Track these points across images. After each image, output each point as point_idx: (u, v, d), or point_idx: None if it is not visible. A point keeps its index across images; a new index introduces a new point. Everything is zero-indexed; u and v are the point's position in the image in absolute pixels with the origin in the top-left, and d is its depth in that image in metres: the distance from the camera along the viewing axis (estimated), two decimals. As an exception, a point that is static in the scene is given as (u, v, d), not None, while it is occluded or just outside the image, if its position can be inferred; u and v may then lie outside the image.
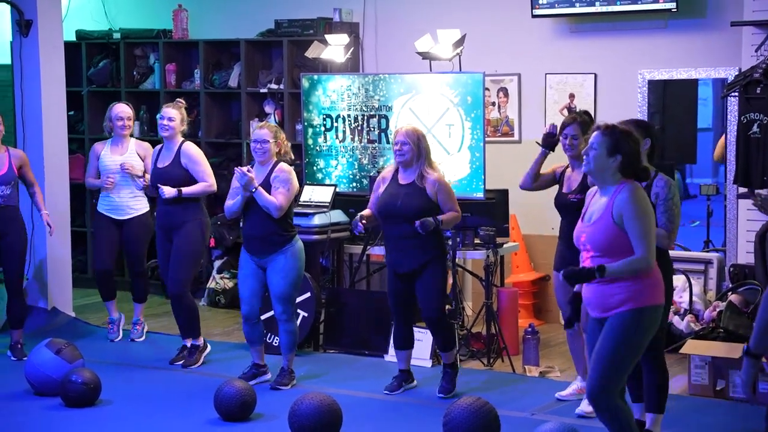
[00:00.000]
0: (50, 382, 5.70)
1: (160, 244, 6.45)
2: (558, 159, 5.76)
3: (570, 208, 5.36)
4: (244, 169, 5.74)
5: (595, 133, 4.18)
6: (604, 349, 4.07)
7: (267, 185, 5.80)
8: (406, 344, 5.87)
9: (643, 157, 4.69)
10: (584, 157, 4.18)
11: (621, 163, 4.10)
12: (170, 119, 6.30)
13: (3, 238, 6.52)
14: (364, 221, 5.74)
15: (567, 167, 5.54)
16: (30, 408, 5.61)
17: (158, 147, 6.50)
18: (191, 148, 6.36)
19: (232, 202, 5.86)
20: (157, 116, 6.72)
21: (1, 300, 7.03)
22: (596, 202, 4.19)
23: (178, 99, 6.64)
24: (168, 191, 6.19)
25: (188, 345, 6.49)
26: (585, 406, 5.39)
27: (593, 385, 4.09)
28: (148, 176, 6.68)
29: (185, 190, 6.24)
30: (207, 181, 6.32)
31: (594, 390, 4.08)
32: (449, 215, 5.62)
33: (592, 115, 5.63)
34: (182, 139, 6.38)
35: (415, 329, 6.36)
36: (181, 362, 6.43)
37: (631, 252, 4.04)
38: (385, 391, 5.81)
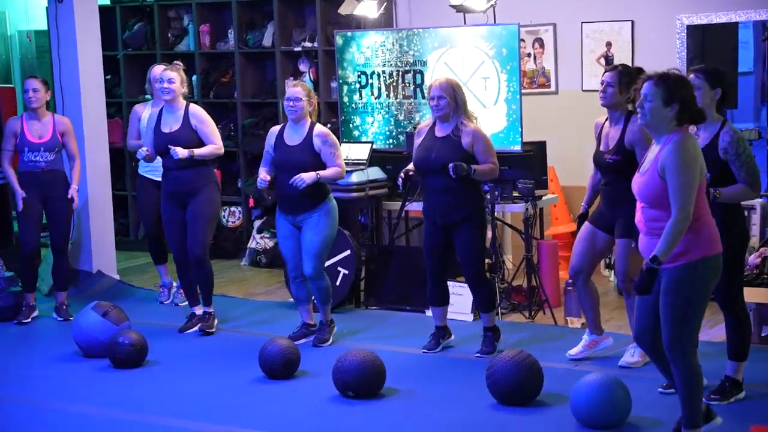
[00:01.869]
0: (98, 344, 5.80)
1: (167, 210, 6.29)
2: (598, 112, 5.69)
3: (607, 168, 5.27)
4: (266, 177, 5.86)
5: (646, 83, 4.04)
6: (667, 306, 4.04)
7: (308, 145, 5.80)
8: (441, 301, 5.83)
9: (712, 107, 4.63)
10: (639, 110, 4.06)
11: (678, 111, 4.01)
12: (170, 81, 6.13)
13: (48, 202, 6.61)
14: (407, 174, 5.73)
15: (606, 120, 5.39)
16: (79, 369, 5.71)
17: (155, 111, 6.33)
18: (200, 110, 6.23)
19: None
20: (154, 77, 6.66)
21: (46, 265, 7.15)
22: (652, 150, 4.12)
23: (175, 61, 6.50)
24: (181, 152, 6.04)
25: (198, 313, 6.42)
26: (628, 357, 5.39)
27: (667, 340, 4.08)
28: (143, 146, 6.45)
29: (197, 151, 6.09)
30: (215, 143, 6.19)
31: (669, 344, 4.08)
32: (485, 166, 5.51)
33: (637, 70, 5.31)
34: (185, 101, 6.24)
35: (456, 284, 6.39)
36: (194, 329, 6.36)
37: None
38: (423, 350, 5.82)
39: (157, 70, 6.88)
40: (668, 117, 4.02)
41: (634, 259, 5.19)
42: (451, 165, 5.43)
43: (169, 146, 6.08)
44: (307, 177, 5.71)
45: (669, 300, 4.04)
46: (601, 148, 5.33)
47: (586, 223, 5.43)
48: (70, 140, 6.67)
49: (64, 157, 6.73)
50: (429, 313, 6.41)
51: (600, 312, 5.58)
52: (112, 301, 6.23)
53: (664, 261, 3.99)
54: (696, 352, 4.09)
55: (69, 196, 6.64)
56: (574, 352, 5.57)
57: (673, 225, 3.95)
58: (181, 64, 6.39)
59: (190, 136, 6.15)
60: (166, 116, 6.23)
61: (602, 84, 5.26)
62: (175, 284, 7.19)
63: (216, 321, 6.40)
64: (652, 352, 4.25)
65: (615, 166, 5.21)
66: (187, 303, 6.77)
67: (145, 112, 6.94)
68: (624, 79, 5.18)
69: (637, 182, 4.12)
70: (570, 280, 5.70)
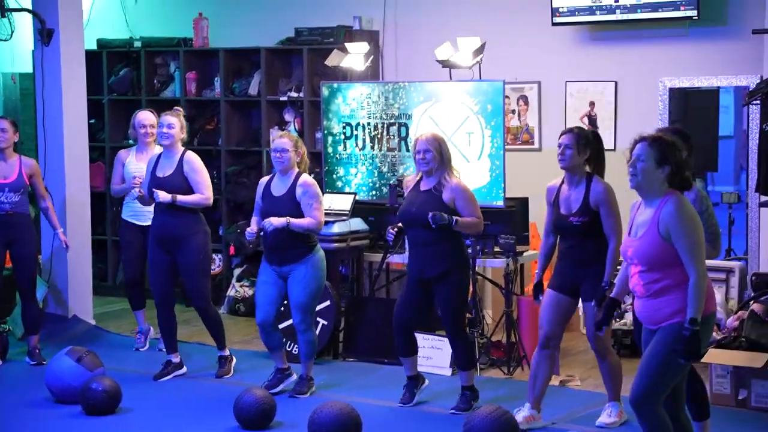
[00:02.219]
0: (70, 390, 5.72)
1: (153, 253, 6.27)
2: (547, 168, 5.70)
3: (573, 231, 5.20)
4: (254, 229, 5.80)
5: (639, 144, 4.08)
6: (653, 357, 4.03)
7: (291, 195, 5.80)
8: (410, 351, 5.76)
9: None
10: (629, 169, 4.08)
11: (669, 173, 4.04)
12: (170, 126, 6.17)
13: (13, 245, 6.55)
14: (394, 230, 5.72)
15: (561, 183, 5.31)
16: (50, 416, 5.62)
17: (155, 155, 6.36)
18: (194, 158, 6.24)
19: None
20: (138, 123, 6.77)
21: (20, 309, 7.07)
22: (641, 214, 4.12)
23: (175, 107, 6.56)
24: (162, 195, 6.04)
25: (174, 360, 6.39)
26: (605, 417, 5.35)
27: (638, 392, 4.04)
28: (138, 181, 6.57)
29: (180, 198, 6.08)
30: (204, 193, 6.16)
31: (639, 396, 4.04)
32: (467, 219, 5.50)
33: (600, 136, 5.38)
34: (183, 147, 6.28)
35: (435, 337, 6.36)
36: (165, 378, 6.32)
37: (677, 263, 3.98)
38: (399, 404, 5.75)
39: (141, 115, 6.90)
40: (660, 179, 4.04)
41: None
42: (430, 214, 5.43)
43: (153, 189, 6.08)
44: (276, 221, 5.70)
45: (657, 352, 4.02)
46: (562, 211, 5.23)
47: (549, 290, 5.33)
48: (37, 181, 6.64)
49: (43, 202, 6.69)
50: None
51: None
52: (87, 347, 6.17)
53: (662, 319, 4.00)
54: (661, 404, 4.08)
55: (62, 240, 6.64)
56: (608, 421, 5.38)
57: (697, 284, 3.96)
58: (181, 109, 6.45)
59: (181, 183, 6.15)
60: (164, 161, 6.25)
61: (560, 147, 5.21)
62: (153, 331, 7.13)
63: (234, 361, 6.45)
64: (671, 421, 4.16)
65: (582, 228, 5.16)
66: (146, 349, 6.91)
67: (129, 157, 6.93)
68: (581, 141, 5.19)
69: (634, 246, 4.09)
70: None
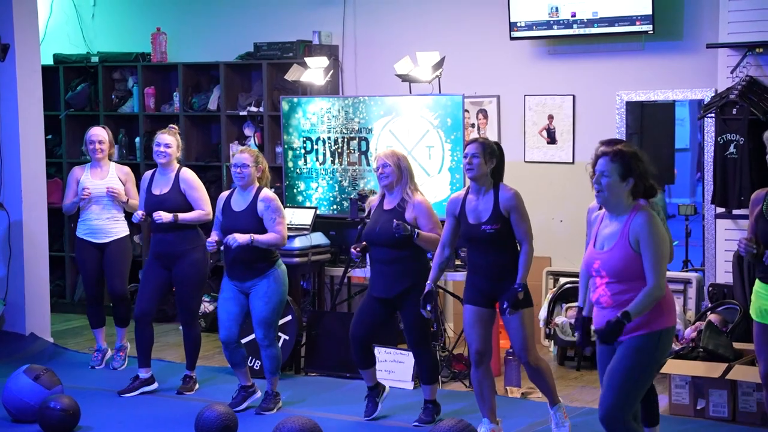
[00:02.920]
0: (28, 409, 5.64)
1: (150, 271, 6.29)
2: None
3: (486, 240, 5.14)
4: (214, 239, 5.77)
5: (601, 159, 4.08)
6: (618, 372, 4.04)
7: (253, 210, 5.78)
8: (368, 363, 5.75)
9: None
10: (595, 186, 4.10)
11: (634, 185, 4.06)
12: (167, 146, 6.24)
13: None
14: (358, 249, 5.72)
15: (466, 194, 5.26)
16: (8, 435, 5.54)
17: (149, 173, 6.39)
18: (190, 175, 6.30)
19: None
20: (89, 139, 6.76)
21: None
22: (607, 227, 4.13)
23: (171, 125, 6.55)
24: (165, 216, 6.11)
25: (143, 376, 6.35)
26: (556, 429, 5.34)
27: (607, 408, 4.03)
28: (134, 202, 6.61)
29: (182, 216, 6.16)
30: (204, 209, 6.23)
31: (608, 413, 4.03)
32: (428, 234, 5.51)
33: (503, 149, 5.31)
34: (178, 165, 6.34)
35: (397, 351, 6.37)
36: (131, 394, 6.28)
37: (644, 276, 4.01)
38: (365, 418, 5.75)
39: (91, 132, 6.88)
40: (625, 192, 4.07)
41: (531, 329, 5.19)
42: (395, 222, 5.43)
43: (153, 214, 6.14)
44: (240, 238, 5.69)
45: (624, 366, 4.03)
46: (471, 221, 5.17)
47: (468, 306, 5.25)
48: None
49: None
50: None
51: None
52: (46, 365, 6.09)
53: (626, 332, 4.00)
54: (633, 416, 4.11)
55: None
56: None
57: (650, 293, 3.97)
58: (176, 127, 6.48)
59: (178, 200, 6.19)
60: (159, 178, 6.29)
61: (466, 156, 5.19)
62: (109, 351, 7.06)
63: (197, 386, 6.38)
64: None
65: (495, 236, 5.12)
66: (124, 368, 6.79)
67: (84, 174, 6.88)
68: (487, 150, 5.19)
69: (601, 258, 4.10)
70: (474, 361, 5.35)
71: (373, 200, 5.81)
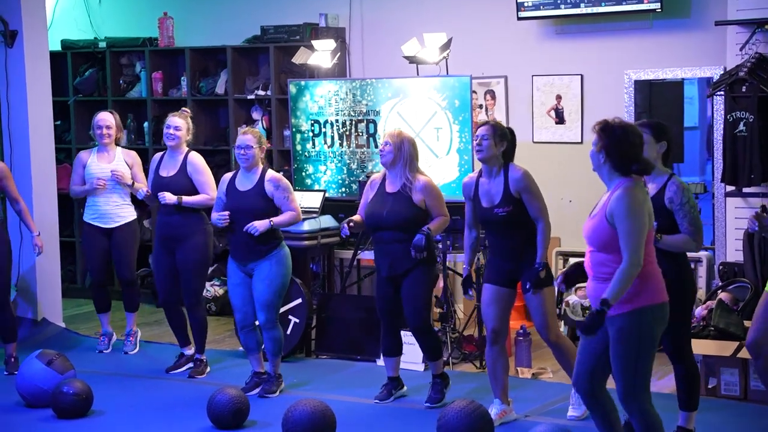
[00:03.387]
0: (41, 394, 5.68)
1: (158, 256, 6.39)
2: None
3: (500, 223, 5.18)
4: (222, 215, 5.78)
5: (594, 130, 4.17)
6: (615, 356, 4.07)
7: (260, 190, 5.79)
8: (393, 351, 5.80)
9: (658, 159, 4.70)
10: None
11: (608, 159, 4.07)
12: (177, 128, 6.26)
13: None
14: (351, 224, 5.72)
15: (479, 177, 5.31)
16: (21, 420, 5.58)
17: (158, 155, 6.44)
18: (197, 158, 6.33)
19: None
20: (96, 123, 6.78)
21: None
22: (602, 198, 4.19)
23: (183, 108, 6.57)
24: (169, 197, 6.15)
25: (187, 353, 6.49)
26: (573, 411, 5.39)
27: (620, 392, 4.10)
28: (141, 186, 6.59)
29: (186, 198, 6.19)
30: (209, 194, 6.24)
31: (622, 396, 4.10)
32: (437, 222, 5.54)
33: (514, 131, 5.37)
34: (187, 148, 6.35)
35: (407, 333, 6.38)
36: (179, 370, 6.42)
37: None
38: (375, 401, 5.77)
39: (98, 116, 6.88)
40: (605, 165, 4.10)
41: (552, 308, 5.24)
42: (412, 252, 5.46)
43: (158, 193, 6.16)
44: (260, 225, 5.70)
45: (618, 350, 4.06)
46: (484, 204, 5.22)
47: (487, 285, 5.29)
48: (9, 185, 6.53)
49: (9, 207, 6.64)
50: (380, 362, 6.36)
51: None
52: (58, 350, 6.11)
53: (611, 309, 4.02)
54: (650, 399, 4.12)
55: (35, 244, 6.57)
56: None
57: (624, 270, 3.99)
58: (188, 111, 6.50)
59: (185, 183, 6.21)
60: (167, 160, 6.32)
61: (477, 138, 5.24)
62: (115, 336, 7.10)
63: (208, 368, 6.42)
64: (588, 398, 4.23)
65: (508, 218, 5.14)
66: (136, 352, 6.89)
67: (90, 158, 6.89)
68: (498, 133, 5.22)
69: (586, 227, 4.17)
70: (489, 338, 5.42)
71: (376, 177, 5.79)
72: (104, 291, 7.03)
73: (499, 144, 5.20)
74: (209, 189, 6.26)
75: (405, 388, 5.89)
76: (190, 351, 6.51)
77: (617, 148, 4.08)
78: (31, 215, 6.96)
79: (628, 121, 4.33)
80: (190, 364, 6.46)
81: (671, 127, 4.96)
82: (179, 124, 6.28)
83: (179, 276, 6.32)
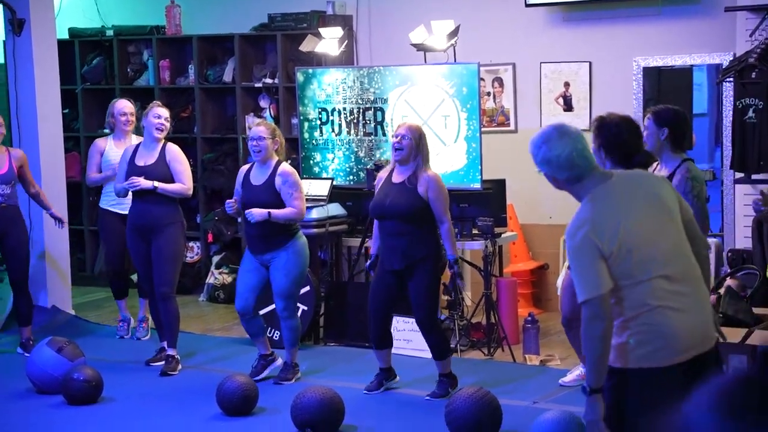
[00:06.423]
0: (52, 381, 5.71)
1: (133, 244, 6.25)
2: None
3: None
4: (231, 201, 5.79)
5: None
6: None
7: (271, 184, 5.79)
8: (384, 343, 5.74)
9: (665, 145, 4.69)
10: None
11: (607, 156, 4.05)
12: (166, 119, 6.23)
13: (5, 238, 6.53)
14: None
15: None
16: (32, 406, 5.61)
17: (132, 146, 6.33)
18: (176, 149, 6.25)
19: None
20: (118, 111, 6.79)
21: (1, 301, 7.04)
22: None
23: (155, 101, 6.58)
24: (144, 183, 6.03)
25: (167, 352, 6.28)
26: (567, 376, 5.63)
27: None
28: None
29: (160, 185, 6.07)
30: (185, 183, 6.16)
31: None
32: (449, 237, 5.52)
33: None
34: (164, 139, 6.27)
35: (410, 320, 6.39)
36: (160, 363, 6.27)
37: None
38: (365, 391, 5.73)
39: (120, 104, 6.88)
40: (602, 160, 4.06)
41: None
42: (459, 281, 5.89)
43: (131, 177, 6.07)
44: (257, 213, 5.70)
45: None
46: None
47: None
48: (26, 171, 6.62)
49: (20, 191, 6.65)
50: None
51: None
52: (68, 337, 6.14)
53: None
54: None
55: (57, 218, 6.63)
56: (567, 380, 5.70)
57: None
58: (159, 102, 6.44)
59: (163, 172, 6.13)
60: (143, 150, 6.22)
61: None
62: (132, 320, 7.12)
63: (180, 365, 6.27)
64: None
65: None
66: (148, 338, 6.89)
67: (108, 145, 6.90)
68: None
69: None
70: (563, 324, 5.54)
71: (383, 173, 5.75)
72: (121, 277, 7.05)
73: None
74: (185, 179, 6.16)
75: (397, 378, 5.84)
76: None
77: (614, 144, 4.07)
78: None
79: (624, 114, 4.29)
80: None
81: (680, 111, 4.92)
82: (168, 115, 6.25)
83: (153, 264, 6.18)
